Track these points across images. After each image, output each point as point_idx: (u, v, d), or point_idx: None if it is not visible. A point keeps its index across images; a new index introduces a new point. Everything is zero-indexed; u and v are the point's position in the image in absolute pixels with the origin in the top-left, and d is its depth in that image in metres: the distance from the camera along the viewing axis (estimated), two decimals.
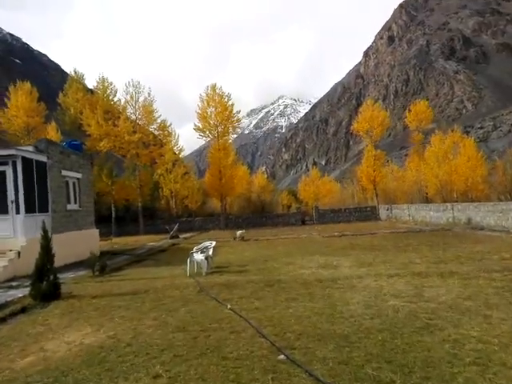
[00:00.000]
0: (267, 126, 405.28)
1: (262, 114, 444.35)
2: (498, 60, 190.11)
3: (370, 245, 15.48)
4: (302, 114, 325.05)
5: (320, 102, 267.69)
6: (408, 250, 13.23)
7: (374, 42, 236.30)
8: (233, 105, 34.20)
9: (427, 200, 31.78)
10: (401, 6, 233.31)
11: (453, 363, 3.99)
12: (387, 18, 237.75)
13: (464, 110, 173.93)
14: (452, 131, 33.07)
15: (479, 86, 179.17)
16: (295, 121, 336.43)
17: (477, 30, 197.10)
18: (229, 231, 27.17)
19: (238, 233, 21.34)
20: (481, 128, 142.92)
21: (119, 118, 31.83)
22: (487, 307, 5.86)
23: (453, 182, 29.60)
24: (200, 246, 11.59)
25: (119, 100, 33.70)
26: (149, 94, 32.95)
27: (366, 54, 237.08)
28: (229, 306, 6.63)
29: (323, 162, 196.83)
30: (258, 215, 36.33)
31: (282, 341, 4.90)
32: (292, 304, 6.74)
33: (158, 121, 33.76)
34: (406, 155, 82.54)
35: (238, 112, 35.14)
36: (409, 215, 29.66)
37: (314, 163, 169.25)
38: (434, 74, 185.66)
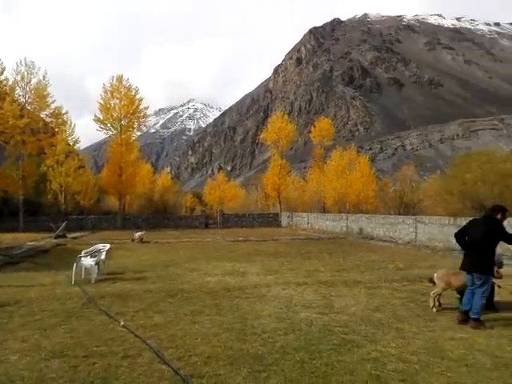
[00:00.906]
0: (175, 127, 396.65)
1: (170, 115, 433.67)
2: (389, 92, 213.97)
3: (275, 251, 15.39)
4: (211, 120, 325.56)
5: (230, 109, 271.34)
6: (311, 257, 13.38)
7: (284, 60, 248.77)
8: (141, 99, 32.19)
9: (324, 210, 33.63)
10: (310, 31, 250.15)
11: None
12: (298, 40, 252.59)
13: (357, 133, 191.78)
14: (349, 149, 35.72)
15: (371, 112, 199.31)
16: (204, 125, 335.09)
17: (373, 63, 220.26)
18: (126, 232, 25.07)
19: (137, 234, 19.67)
20: (370, 149, 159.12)
21: (5, 99, 27.39)
22: (397, 320, 5.81)
23: (347, 195, 31.83)
24: (91, 248, 10.06)
25: (7, 79, 29.04)
26: (44, 76, 29.01)
27: (276, 70, 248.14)
28: (122, 323, 5.56)
29: (229, 168, 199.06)
30: (160, 216, 34.51)
31: (188, 366, 4.09)
32: (197, 318, 5.95)
33: (52, 107, 29.95)
34: (305, 168, 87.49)
35: (146, 108, 33.18)
36: (308, 223, 30.95)
37: (220, 168, 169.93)
38: (334, 98, 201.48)
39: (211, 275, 9.88)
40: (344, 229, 25.74)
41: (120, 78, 31.55)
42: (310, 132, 43.07)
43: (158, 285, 8.56)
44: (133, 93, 31.76)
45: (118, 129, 31.47)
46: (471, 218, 6.35)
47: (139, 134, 43.47)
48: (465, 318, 5.58)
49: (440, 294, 6.27)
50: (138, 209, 37.77)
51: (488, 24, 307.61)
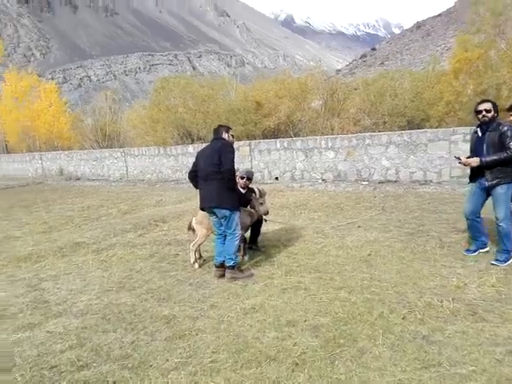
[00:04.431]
0: None
1: None
2: (62, 13, 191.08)
3: None
4: None
5: None
6: None
7: None
8: None
9: (8, 150, 26.69)
10: None
11: None
12: None
13: (32, 58, 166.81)
14: (27, 73, 28.79)
15: (46, 35, 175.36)
16: None
17: None
18: None
19: None
20: (52, 79, 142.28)
21: None
22: (157, 299, 3.87)
23: (36, 129, 26.07)
24: None
25: None
26: None
27: None
28: None
29: None
30: None
31: None
32: None
33: None
34: None
35: None
36: None
37: None
38: None
39: None
40: (39, 171, 21.16)
41: None
42: None
43: None
44: None
45: None
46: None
47: None
48: (223, 272, 4.31)
49: (200, 244, 4.79)
50: None
51: None
